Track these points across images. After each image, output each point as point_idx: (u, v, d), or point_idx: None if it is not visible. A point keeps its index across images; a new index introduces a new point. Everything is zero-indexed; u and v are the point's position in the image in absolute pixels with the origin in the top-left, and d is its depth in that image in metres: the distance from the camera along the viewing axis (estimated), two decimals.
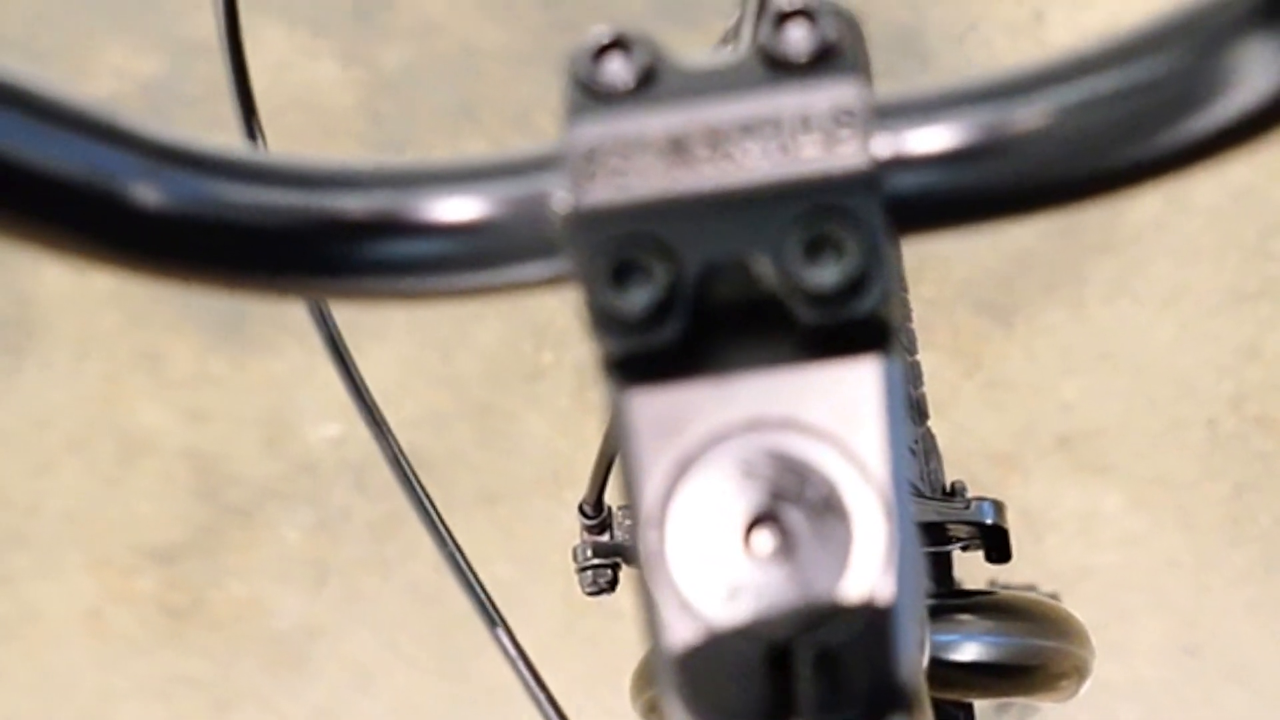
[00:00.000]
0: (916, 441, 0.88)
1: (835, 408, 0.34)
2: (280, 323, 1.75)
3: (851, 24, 0.34)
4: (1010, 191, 0.34)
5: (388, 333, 1.76)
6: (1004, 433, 1.69)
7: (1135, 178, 0.34)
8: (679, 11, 1.89)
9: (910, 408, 0.89)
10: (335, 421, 1.72)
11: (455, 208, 0.36)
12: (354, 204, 0.36)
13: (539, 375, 1.76)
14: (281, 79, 1.91)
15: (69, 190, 0.34)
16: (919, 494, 0.84)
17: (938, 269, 1.75)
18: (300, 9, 1.96)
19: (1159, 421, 1.68)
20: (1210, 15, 0.32)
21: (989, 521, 0.80)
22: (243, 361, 1.79)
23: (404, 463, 0.66)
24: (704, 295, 0.34)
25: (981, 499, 0.81)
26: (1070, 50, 0.34)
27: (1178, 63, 0.33)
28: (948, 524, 0.81)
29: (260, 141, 0.55)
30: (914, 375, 0.92)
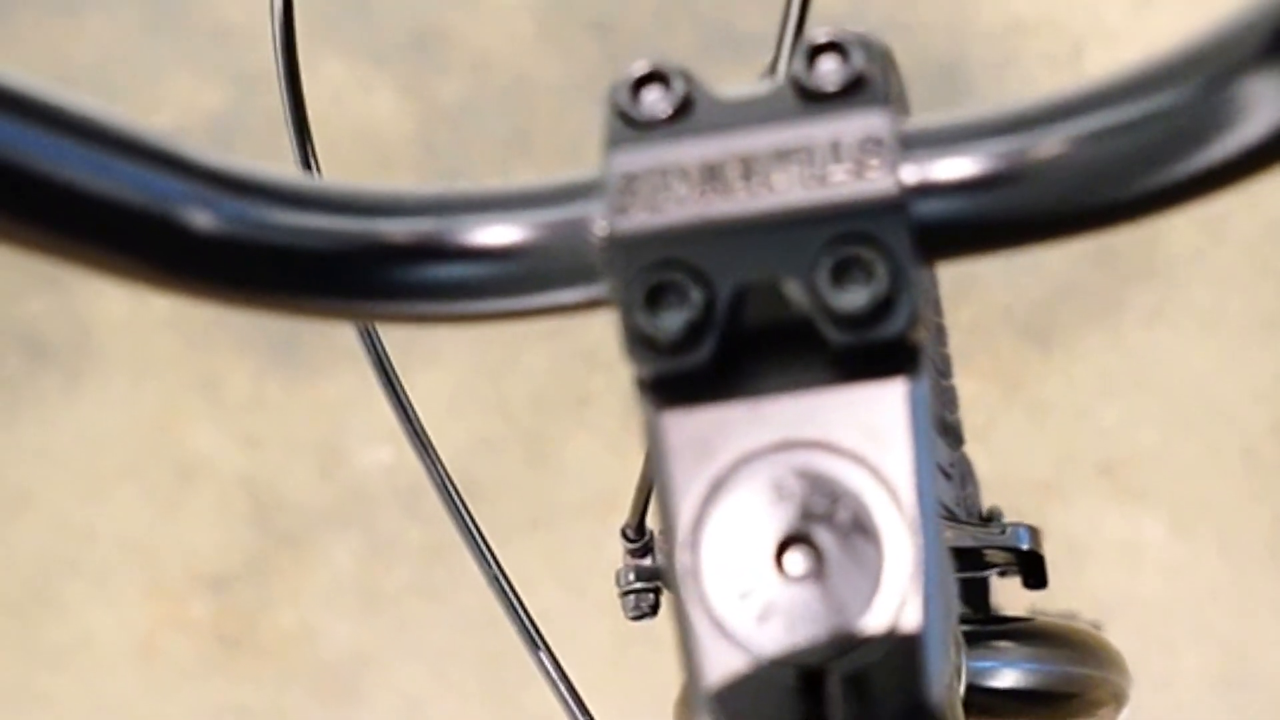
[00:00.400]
0: (952, 465, 0.88)
1: (864, 429, 0.34)
2: (334, 346, 1.77)
3: (883, 55, 0.35)
4: (1032, 217, 0.35)
5: (438, 358, 1.77)
6: (1044, 459, 1.69)
7: (1151, 205, 0.35)
8: (727, 44, 1.90)
9: (946, 431, 0.89)
10: (387, 446, 1.73)
11: (498, 233, 0.37)
12: (400, 228, 0.37)
13: (588, 401, 1.77)
14: (339, 110, 1.94)
15: (127, 214, 0.35)
16: (953, 518, 0.84)
17: (979, 294, 1.75)
18: (359, 41, 1.98)
19: (1198, 448, 1.68)
20: (1222, 49, 0.33)
21: (1025, 547, 0.79)
22: (297, 386, 1.81)
23: (451, 488, 0.67)
24: (736, 318, 0.35)
25: (1018, 524, 0.80)
26: (1089, 82, 0.35)
27: (1190, 95, 0.33)
28: (984, 549, 0.80)
29: (315, 170, 0.56)
30: (949, 399, 0.92)
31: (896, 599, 0.33)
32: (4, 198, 0.34)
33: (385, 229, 0.37)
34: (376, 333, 0.60)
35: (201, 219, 0.36)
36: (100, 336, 1.86)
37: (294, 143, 0.51)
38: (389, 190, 0.38)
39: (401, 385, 0.64)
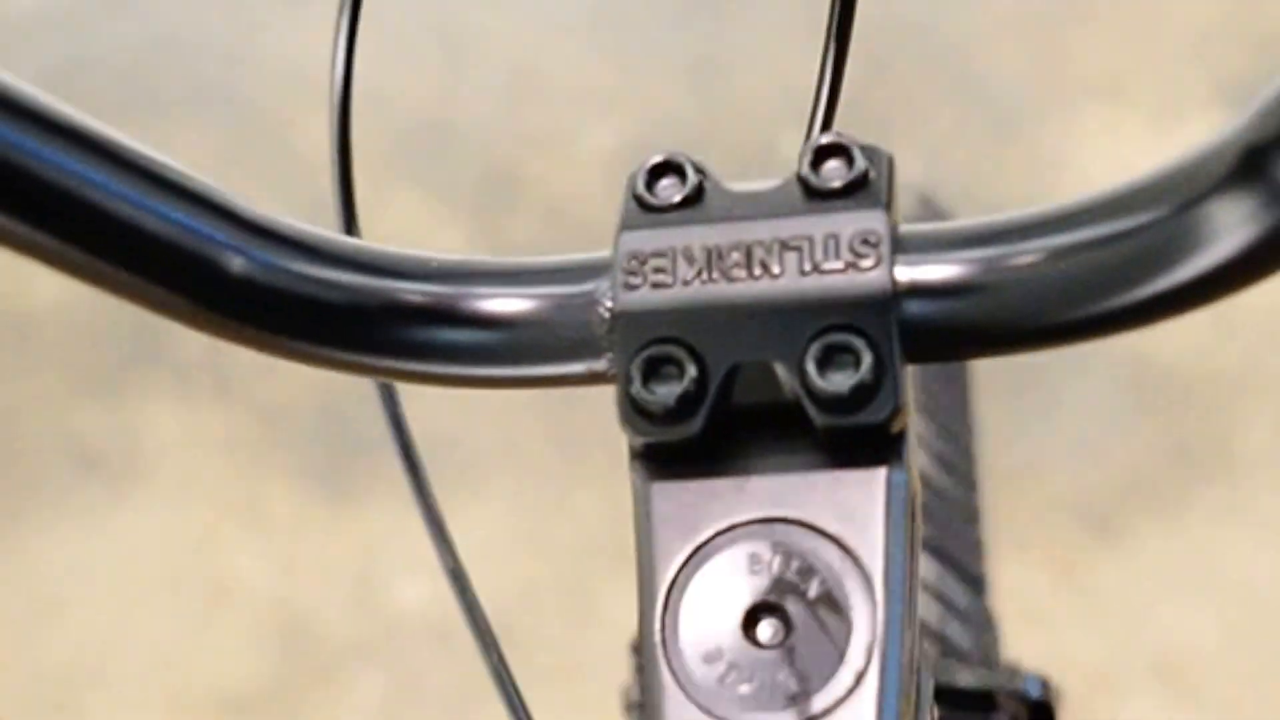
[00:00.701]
0: (972, 612, 0.87)
1: (842, 512, 0.36)
2: (380, 475, 1.77)
3: (886, 163, 0.38)
4: (1011, 324, 0.37)
5: (484, 491, 1.77)
6: (1096, 649, 1.66)
7: (1122, 320, 0.36)
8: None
9: (969, 580, 0.89)
10: (425, 580, 1.72)
11: (510, 303, 0.39)
12: (417, 290, 0.40)
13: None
14: (407, 242, 1.95)
15: (173, 252, 0.38)
16: (965, 658, 0.84)
17: (1038, 478, 1.74)
18: (432, 176, 2.01)
19: (1258, 656, 1.64)
20: (1191, 175, 0.35)
21: (1034, 696, 0.78)
22: (340, 514, 1.81)
23: (485, 628, 0.67)
24: (727, 395, 0.37)
25: (1031, 674, 0.80)
26: (1072, 200, 0.37)
27: (1161, 216, 0.35)
28: (994, 693, 0.79)
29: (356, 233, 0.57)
30: (974, 548, 0.92)
31: (856, 673, 0.35)
32: (71, 228, 0.37)
33: (402, 289, 0.40)
34: (419, 462, 0.59)
35: (236, 263, 0.38)
36: (150, 452, 1.87)
37: (338, 202, 0.52)
38: (412, 254, 0.41)
39: (442, 518, 0.63)
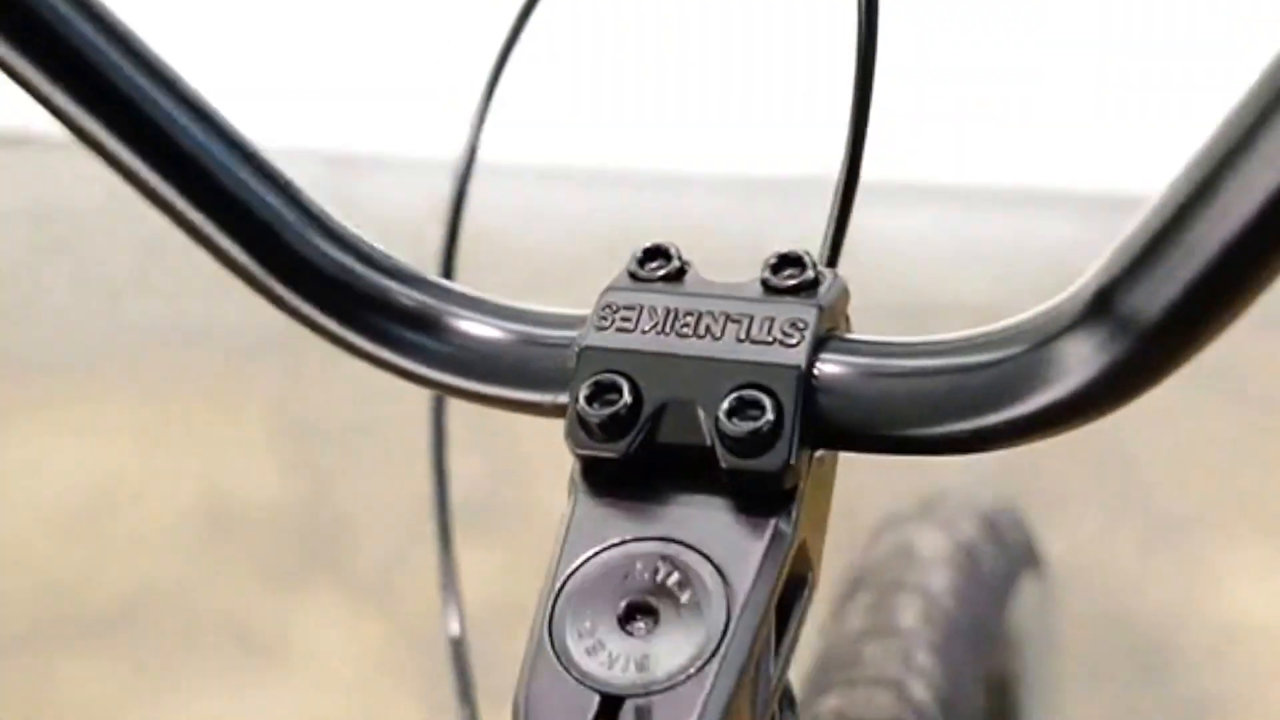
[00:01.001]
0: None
1: (729, 545, 0.42)
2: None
3: (838, 282, 0.45)
4: (887, 426, 0.43)
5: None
6: None
7: (978, 442, 0.42)
8: None
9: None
10: None
11: (503, 331, 0.48)
12: (415, 296, 0.48)
13: None
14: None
15: (249, 220, 0.47)
16: None
17: None
18: (517, 537, 1.97)
19: None
20: (1050, 316, 0.40)
21: None
22: None
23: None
24: (656, 428, 0.43)
25: None
26: (952, 334, 0.43)
27: (1017, 352, 0.41)
28: None
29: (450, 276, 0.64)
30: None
31: (699, 665, 0.41)
32: (188, 188, 0.46)
33: (397, 290, 0.48)
34: (446, 478, 0.66)
35: (301, 243, 0.47)
36: (300, 641, 1.96)
37: (444, 248, 0.61)
38: (442, 281, 0.49)
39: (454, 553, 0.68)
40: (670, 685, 0.40)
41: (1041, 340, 0.40)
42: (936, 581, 1.03)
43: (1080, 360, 0.39)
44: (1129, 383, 0.39)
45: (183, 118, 0.46)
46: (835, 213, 0.51)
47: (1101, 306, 0.38)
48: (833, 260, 0.50)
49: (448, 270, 0.61)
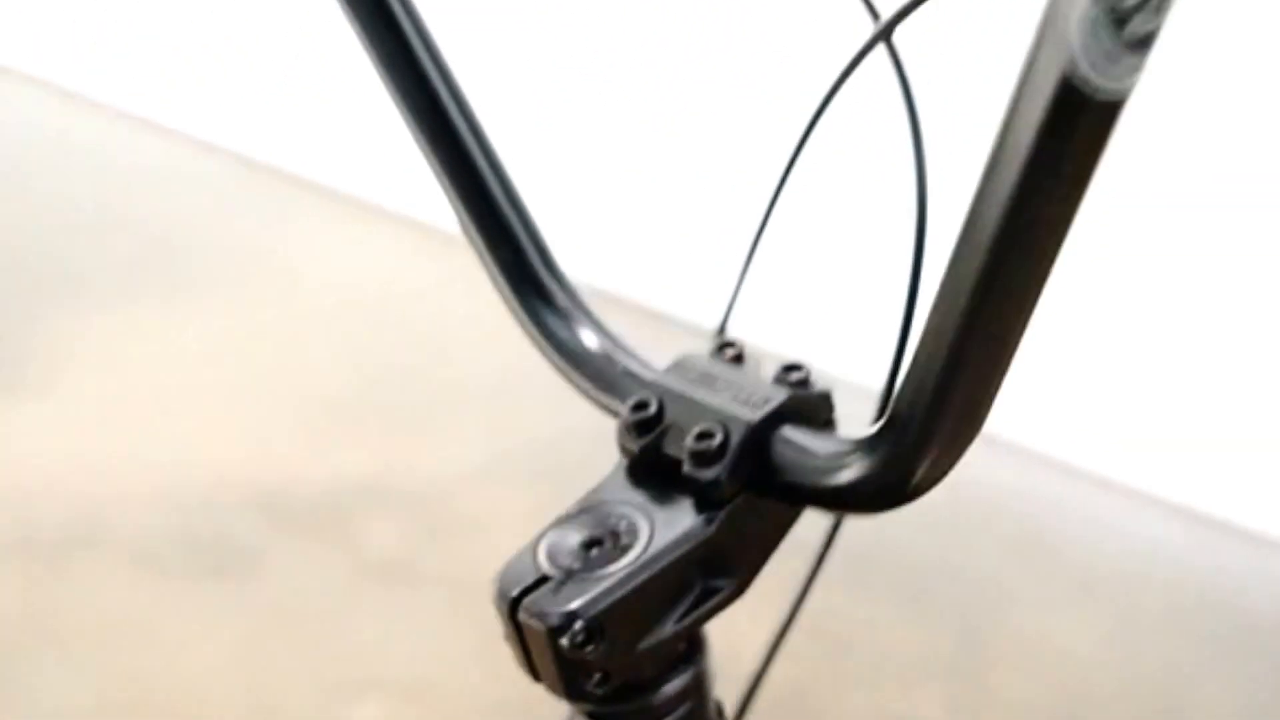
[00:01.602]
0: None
1: (668, 520, 0.60)
2: None
3: (826, 388, 0.62)
4: (780, 477, 0.59)
5: None
6: None
7: (841, 505, 0.59)
8: None
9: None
10: None
11: (601, 348, 0.72)
12: (572, 309, 0.73)
13: None
14: None
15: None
16: None
17: None
18: None
19: None
20: (866, 437, 0.56)
21: None
22: None
23: None
24: (662, 439, 0.61)
25: None
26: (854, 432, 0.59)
27: (856, 453, 0.57)
28: None
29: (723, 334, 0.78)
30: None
31: (599, 574, 0.59)
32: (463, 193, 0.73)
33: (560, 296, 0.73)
34: None
35: (522, 246, 0.73)
36: None
37: (732, 296, 0.77)
38: (599, 318, 0.74)
39: None
40: (591, 574, 0.58)
41: (860, 447, 0.57)
42: None
43: (868, 461, 0.56)
44: (902, 476, 0.54)
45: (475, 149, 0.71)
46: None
47: (885, 430, 0.54)
48: (895, 369, 0.66)
49: (725, 322, 0.77)
